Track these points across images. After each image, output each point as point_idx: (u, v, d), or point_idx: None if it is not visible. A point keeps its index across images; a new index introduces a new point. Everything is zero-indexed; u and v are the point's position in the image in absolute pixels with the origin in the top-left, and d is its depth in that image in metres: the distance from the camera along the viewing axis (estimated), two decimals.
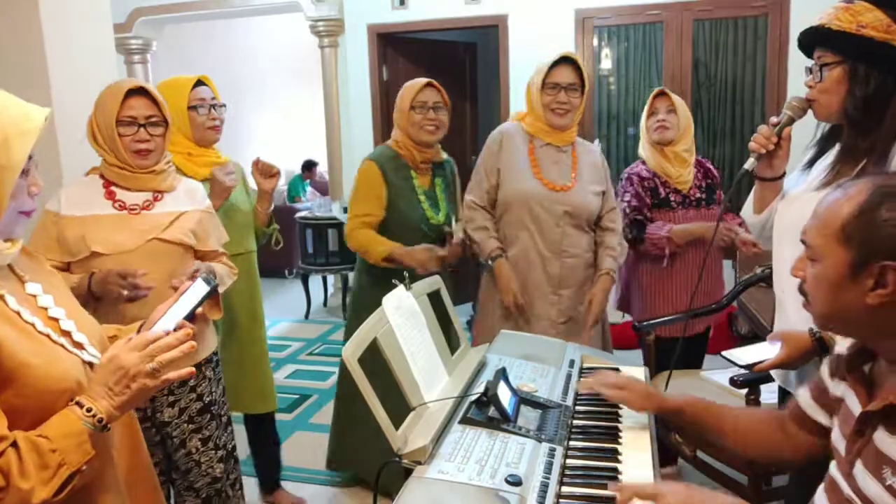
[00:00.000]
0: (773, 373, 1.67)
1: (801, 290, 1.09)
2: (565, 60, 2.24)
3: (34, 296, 1.10)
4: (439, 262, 2.27)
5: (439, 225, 2.42)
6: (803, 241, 1.06)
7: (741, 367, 1.42)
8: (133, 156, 1.74)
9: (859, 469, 0.98)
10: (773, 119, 1.50)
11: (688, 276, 2.61)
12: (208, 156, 2.23)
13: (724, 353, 1.47)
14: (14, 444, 0.93)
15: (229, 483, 1.96)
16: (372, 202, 2.37)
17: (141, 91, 1.75)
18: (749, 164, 1.52)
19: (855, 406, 1.04)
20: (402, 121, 2.38)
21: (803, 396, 1.21)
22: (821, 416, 1.17)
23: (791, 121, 1.48)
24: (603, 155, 2.47)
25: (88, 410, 0.98)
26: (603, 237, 2.38)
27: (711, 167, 2.76)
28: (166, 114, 1.79)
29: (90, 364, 1.09)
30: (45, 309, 1.09)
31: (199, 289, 1.17)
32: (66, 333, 1.09)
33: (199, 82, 2.23)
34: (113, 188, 1.76)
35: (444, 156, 2.52)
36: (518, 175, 2.28)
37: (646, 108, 2.65)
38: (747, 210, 1.65)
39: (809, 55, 1.50)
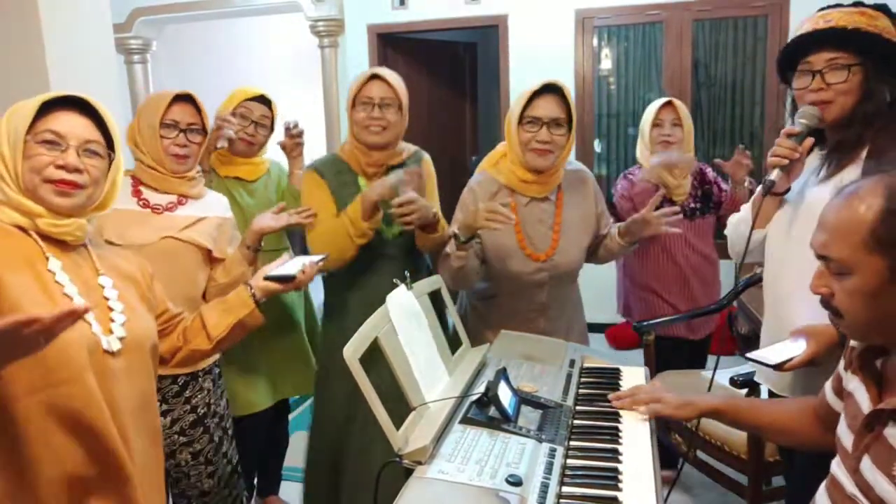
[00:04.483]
0: (761, 377, 1.66)
1: (827, 306, 1.07)
2: (549, 90, 1.87)
3: (102, 286, 1.24)
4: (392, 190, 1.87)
5: (395, 238, 2.04)
6: (822, 257, 1.04)
7: (771, 366, 1.39)
8: (171, 159, 1.78)
9: (867, 465, 0.98)
10: (791, 129, 1.47)
11: (682, 274, 2.64)
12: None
13: (747, 354, 1.45)
14: None
15: (223, 497, 1.93)
16: (323, 209, 2.00)
17: (187, 99, 1.81)
18: (775, 174, 1.48)
19: (864, 400, 1.03)
20: (349, 119, 2.04)
21: (828, 389, 1.21)
22: (841, 409, 1.16)
23: (809, 130, 1.46)
24: (595, 184, 2.10)
25: None
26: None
27: (708, 171, 2.70)
28: (207, 123, 1.84)
29: (109, 353, 1.18)
30: (107, 299, 1.24)
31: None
32: (110, 319, 1.21)
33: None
34: (141, 187, 1.80)
35: (407, 153, 2.11)
36: (498, 243, 1.93)
37: (650, 116, 2.59)
38: (741, 226, 1.60)
39: (791, 61, 1.49)
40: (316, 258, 1.59)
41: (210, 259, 1.87)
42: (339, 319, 2.09)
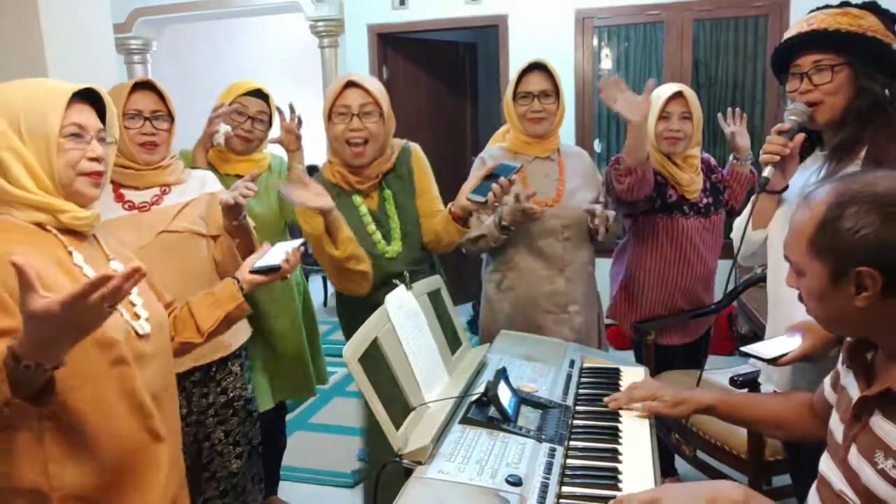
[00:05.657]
0: (764, 378, 1.66)
1: (801, 300, 1.11)
2: (536, 67, 2.17)
3: (115, 271, 1.22)
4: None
5: (397, 256, 1.91)
6: (786, 257, 1.10)
7: (765, 361, 1.39)
8: (139, 149, 1.74)
9: (854, 454, 1.00)
10: (781, 126, 1.49)
11: (685, 276, 2.59)
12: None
13: (743, 348, 1.46)
14: None
15: (249, 477, 1.99)
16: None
17: (147, 86, 1.77)
18: (768, 171, 1.50)
19: (854, 393, 1.05)
20: (327, 135, 1.89)
21: (826, 384, 1.23)
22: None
23: (799, 128, 1.48)
24: (593, 162, 2.31)
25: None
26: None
27: (712, 160, 2.55)
28: (172, 109, 1.79)
29: (140, 335, 1.19)
30: None
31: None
32: (132, 304, 1.22)
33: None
34: (122, 190, 1.76)
35: (396, 152, 1.97)
36: (510, 199, 1.98)
37: (656, 108, 2.35)
38: (741, 228, 1.62)
39: (783, 64, 1.52)
40: (297, 243, 1.50)
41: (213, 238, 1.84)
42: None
